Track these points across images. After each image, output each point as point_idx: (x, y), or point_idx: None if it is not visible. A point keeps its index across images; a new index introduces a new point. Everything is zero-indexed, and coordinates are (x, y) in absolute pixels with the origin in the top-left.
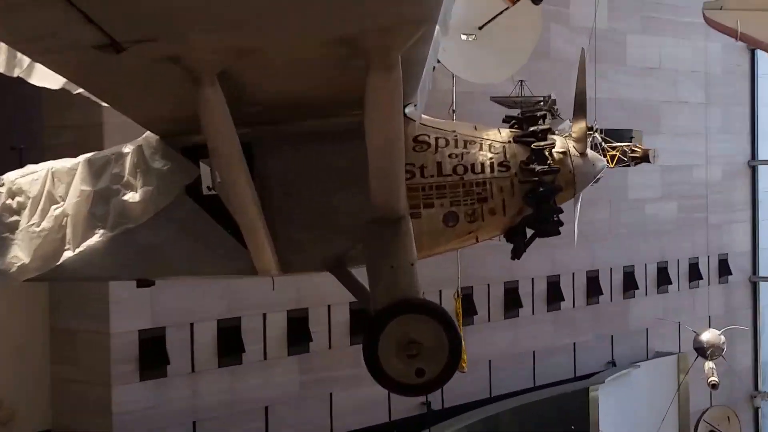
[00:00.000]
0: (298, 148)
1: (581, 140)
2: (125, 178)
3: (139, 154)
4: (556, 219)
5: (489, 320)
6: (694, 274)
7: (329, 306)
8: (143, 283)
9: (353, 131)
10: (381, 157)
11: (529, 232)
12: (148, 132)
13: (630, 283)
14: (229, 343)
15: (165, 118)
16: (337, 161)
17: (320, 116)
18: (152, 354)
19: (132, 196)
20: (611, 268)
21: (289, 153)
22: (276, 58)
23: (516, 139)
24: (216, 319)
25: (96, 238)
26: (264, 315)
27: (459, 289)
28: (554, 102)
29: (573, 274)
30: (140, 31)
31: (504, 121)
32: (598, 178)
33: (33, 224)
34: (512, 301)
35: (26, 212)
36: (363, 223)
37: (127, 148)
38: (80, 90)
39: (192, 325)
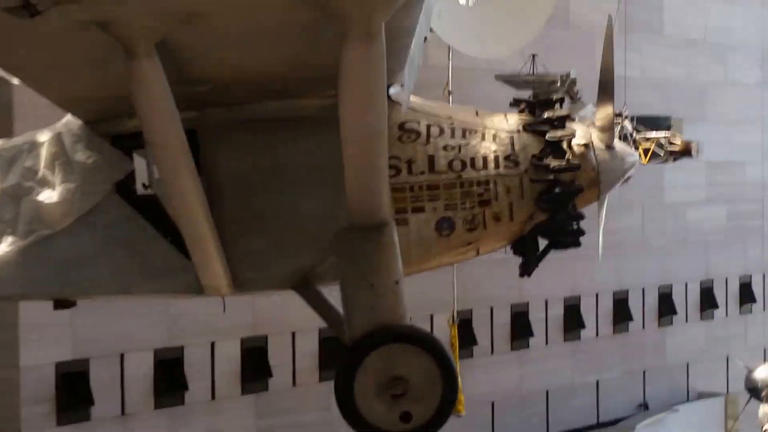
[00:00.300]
0: (256, 137)
1: (607, 129)
2: (40, 174)
3: (58, 144)
4: (576, 227)
5: (492, 352)
6: (747, 295)
7: (293, 333)
8: (62, 303)
9: (325, 117)
10: (359, 148)
11: (543, 243)
12: (70, 116)
13: (667, 307)
14: (169, 378)
15: (91, 99)
16: (304, 154)
17: (284, 98)
18: (73, 392)
19: (49, 196)
20: (644, 289)
21: (246, 144)
22: (229, 24)
23: (527, 128)
24: (153, 348)
25: (3, 248)
26: (212, 344)
27: (455, 314)
28: (574, 82)
29: (597, 295)
30: None
31: (512, 105)
32: (629, 177)
33: None
34: (521, 328)
35: None
36: (336, 231)
37: (44, 137)
38: None
39: (123, 356)
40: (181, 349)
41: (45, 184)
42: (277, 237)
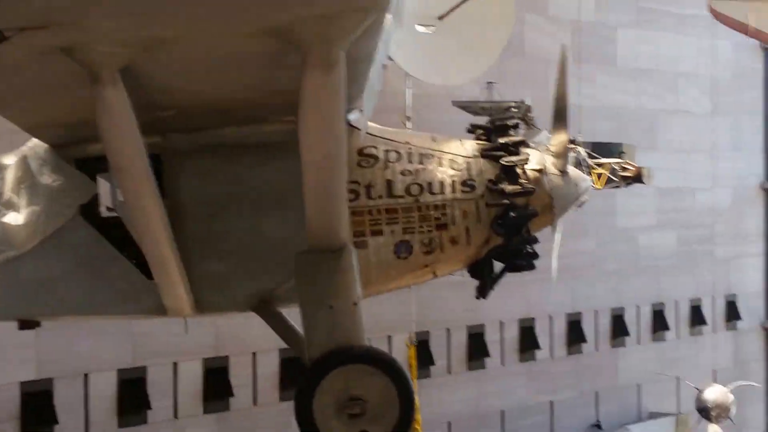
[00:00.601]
0: (218, 162)
1: (561, 155)
2: (6, 196)
3: (23, 167)
4: (530, 251)
5: (449, 372)
6: (697, 318)
7: (254, 354)
8: (26, 324)
9: (286, 142)
10: (319, 173)
11: (499, 266)
12: (36, 140)
13: (619, 329)
14: (133, 398)
15: (56, 124)
16: (266, 179)
17: (246, 123)
18: (37, 412)
19: (14, 218)
20: (596, 311)
21: (209, 168)
22: (192, 51)
23: (483, 153)
24: (116, 368)
25: None
26: (175, 364)
27: (413, 335)
28: (529, 109)
29: (550, 317)
30: (26, 15)
31: (469, 131)
32: (582, 202)
33: None
34: (477, 349)
35: None
36: (296, 254)
37: (9, 160)
38: None
39: (87, 376)
40: (144, 369)
41: (11, 206)
42: (239, 260)
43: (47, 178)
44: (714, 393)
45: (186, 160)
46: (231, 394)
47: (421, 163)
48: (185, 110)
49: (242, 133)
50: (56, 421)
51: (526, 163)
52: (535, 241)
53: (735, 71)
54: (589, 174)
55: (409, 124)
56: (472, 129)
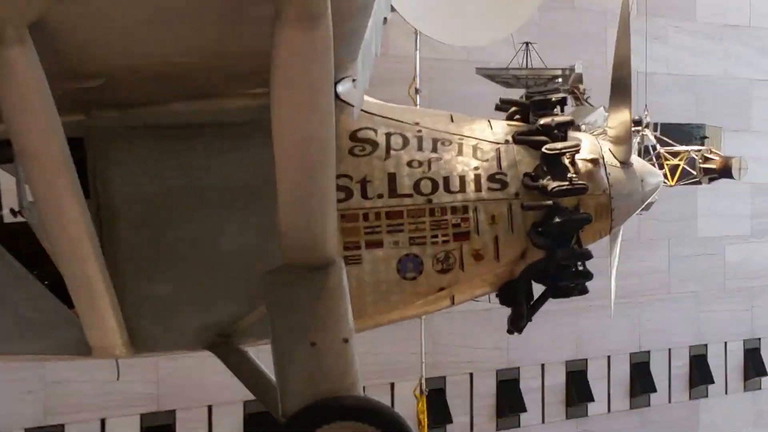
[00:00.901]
0: (162, 149)
1: (623, 141)
2: None
3: None
4: (581, 269)
5: (471, 429)
6: None
7: (210, 408)
8: None
9: (252, 123)
10: (297, 163)
11: (539, 289)
12: None
13: (701, 374)
14: None
15: None
16: (225, 171)
17: (200, 97)
18: None
19: None
20: (670, 350)
21: (147, 157)
22: (122, 3)
23: (518, 138)
24: (23, 428)
25: None
26: (102, 422)
27: (423, 382)
28: (580, 78)
29: (609, 358)
30: None
31: (498, 108)
32: (650, 203)
33: None
34: (511, 401)
35: None
36: (266, 273)
37: None
38: None
39: None
40: (62, 428)
41: None
42: (189, 280)
43: None
44: None
45: (117, 146)
46: None
47: (434, 150)
48: (117, 79)
49: (193, 111)
50: None
51: (577, 152)
52: (588, 256)
53: None
54: (660, 166)
55: (419, 99)
56: (504, 105)
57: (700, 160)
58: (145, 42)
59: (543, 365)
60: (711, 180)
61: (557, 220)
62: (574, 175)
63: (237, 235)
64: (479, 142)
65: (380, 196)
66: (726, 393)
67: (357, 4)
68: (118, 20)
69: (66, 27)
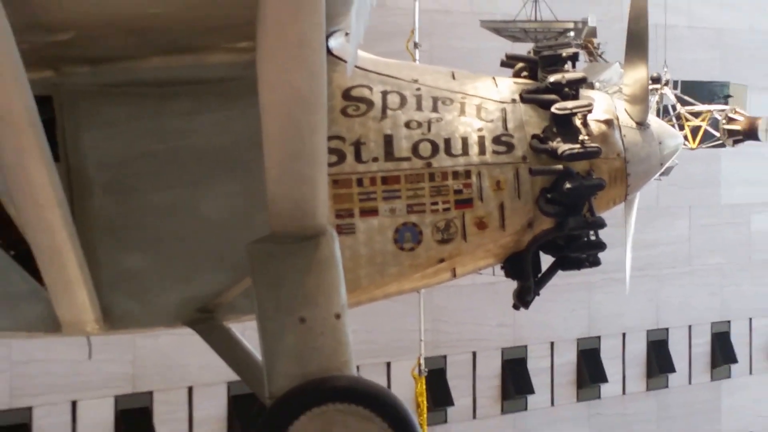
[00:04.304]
0: (137, 108)
1: (640, 100)
2: None
3: None
4: (593, 239)
5: (474, 416)
6: None
7: (190, 389)
8: None
9: (236, 80)
10: (284, 124)
11: (548, 260)
12: None
13: (724, 353)
14: None
15: None
16: (206, 133)
17: (179, 51)
18: None
19: None
20: (690, 326)
21: (122, 117)
22: None
23: (526, 97)
24: None
25: None
26: (73, 404)
27: (422, 361)
28: (593, 32)
29: (624, 335)
30: None
31: (504, 64)
32: (669, 168)
33: None
34: (517, 382)
35: None
36: (250, 243)
37: None
38: None
39: None
40: (29, 411)
41: None
42: (167, 251)
43: None
44: None
45: (89, 106)
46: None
47: (435, 110)
48: (88, 32)
49: (173, 67)
50: None
51: (589, 112)
52: (602, 224)
53: None
54: (680, 128)
55: (418, 54)
56: (510, 61)
57: (724, 121)
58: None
59: (552, 343)
60: (736, 142)
61: (568, 185)
62: (586, 137)
63: (219, 203)
64: (483, 101)
65: (375, 160)
66: (750, 373)
67: None
68: None
69: None
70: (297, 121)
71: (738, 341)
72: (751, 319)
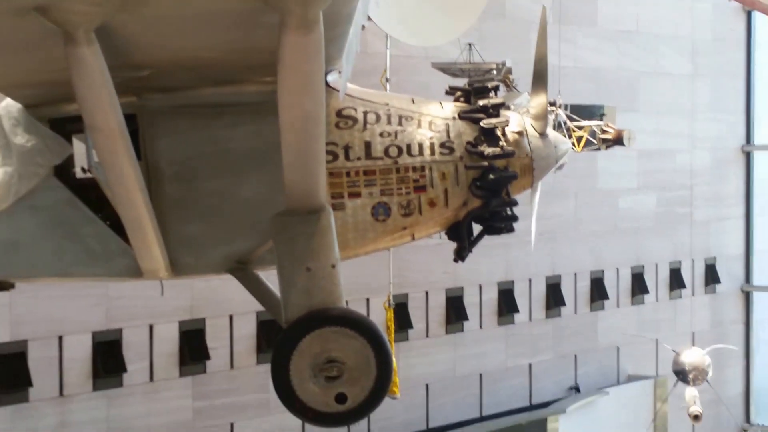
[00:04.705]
0: (195, 122)
1: (541, 118)
2: None
3: None
4: (509, 213)
5: (427, 335)
6: (676, 281)
7: (231, 316)
8: (0, 286)
9: (264, 103)
10: (297, 134)
11: (477, 228)
12: (9, 99)
13: (599, 292)
14: (108, 360)
15: (29, 83)
16: (243, 140)
17: (224, 83)
18: (10, 374)
19: None
20: (576, 274)
21: (185, 128)
22: (168, 10)
23: (462, 116)
24: (91, 331)
25: None
26: (150, 327)
27: (391, 297)
28: (510, 71)
29: (530, 280)
30: None
31: (448, 93)
32: (562, 164)
33: None
34: (456, 312)
35: None
36: (273, 216)
37: None
38: None
39: (61, 338)
40: (120, 331)
41: None
42: (215, 221)
43: (21, 139)
44: (692, 356)
45: (162, 121)
46: (207, 357)
47: (400, 124)
48: (161, 70)
49: (219, 94)
50: (30, 383)
51: (506, 125)
52: (515, 203)
53: (715, 33)
54: (569, 136)
55: (388, 86)
56: (452, 91)
57: (599, 132)
58: (184, 41)
59: (480, 285)
60: (608, 147)
61: (491, 176)
62: (504, 143)
63: (252, 187)
64: (433, 118)
65: (359, 159)
66: (617, 306)
67: (342, 16)
68: (161, 27)
69: (123, 31)
70: (305, 132)
71: (609, 284)
72: (618, 268)
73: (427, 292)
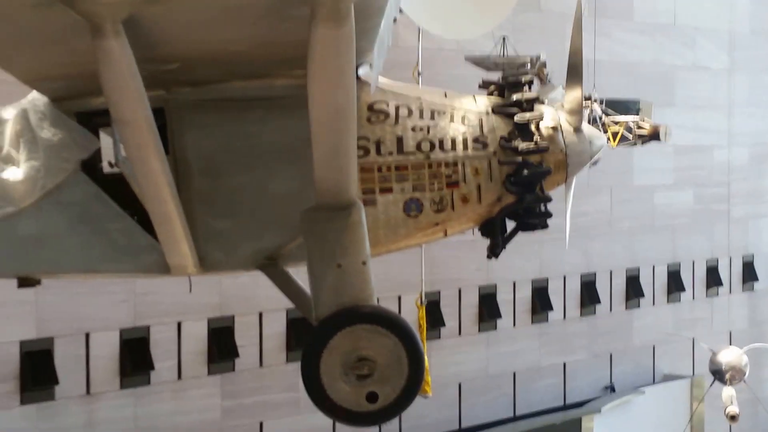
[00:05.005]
0: (224, 116)
1: (576, 112)
2: (4, 151)
3: (23, 121)
4: (543, 210)
5: (460, 333)
6: (713, 279)
7: (260, 314)
8: (26, 281)
9: (294, 97)
10: (328, 129)
11: (511, 225)
12: (35, 93)
13: (634, 290)
14: (135, 358)
15: (56, 76)
16: (273, 134)
17: (253, 77)
18: (37, 371)
19: (13, 174)
20: (611, 271)
21: (213, 123)
22: (196, 3)
23: (496, 110)
24: (119, 328)
25: None
26: (179, 324)
27: (423, 295)
28: (544, 64)
29: (564, 278)
30: None
31: (481, 86)
32: (597, 160)
33: None
34: (489, 310)
35: None
36: (303, 212)
37: (8, 113)
38: None
39: (88, 336)
40: (147, 329)
41: (9, 161)
42: (245, 217)
43: (47, 133)
44: (729, 355)
45: (190, 115)
46: (236, 355)
47: (432, 118)
48: (189, 63)
49: (249, 88)
50: (56, 381)
51: (541, 120)
52: (549, 199)
53: (753, 26)
54: (605, 131)
55: (420, 80)
56: (485, 85)
57: (635, 127)
58: (212, 34)
59: (514, 282)
60: (644, 143)
61: (525, 172)
62: (538, 138)
63: (282, 183)
64: (466, 112)
65: (390, 153)
66: (653, 304)
67: (373, 8)
68: (189, 19)
69: (150, 23)
70: (336, 127)
71: (645, 282)
72: (653, 266)
73: (459, 290)
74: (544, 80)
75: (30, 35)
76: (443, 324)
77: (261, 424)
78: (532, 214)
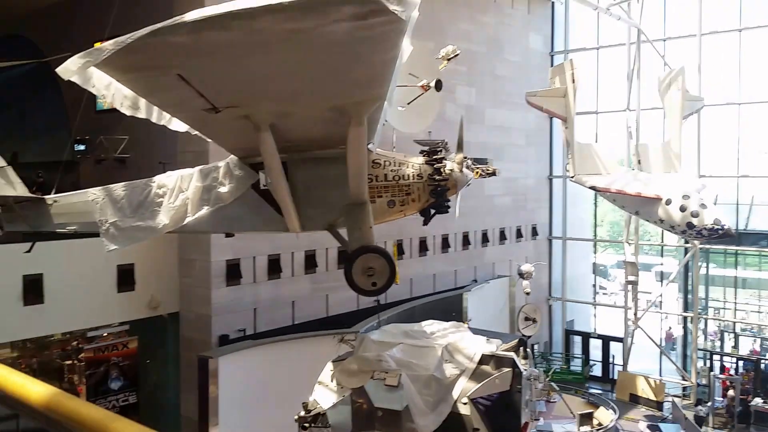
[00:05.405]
0: (312, 164)
1: (460, 163)
2: (219, 179)
3: (227, 166)
4: (447, 204)
5: (410, 257)
6: (519, 234)
7: (327, 248)
8: (228, 234)
9: (341, 156)
10: (355, 171)
11: (432, 211)
12: (232, 155)
13: (485, 238)
14: (275, 267)
15: (241, 148)
16: (332, 172)
17: (325, 147)
18: (233, 272)
19: (223, 189)
20: (475, 231)
21: (309, 167)
22: (301, 116)
23: (426, 162)
24: (267, 254)
25: (203, 211)
26: (292, 253)
27: (395, 241)
28: (446, 143)
29: (455, 234)
30: (229, 101)
31: (420, 153)
32: (469, 183)
33: (170, 203)
34: (425, 246)
35: (167, 196)
36: (344, 205)
37: (221, 163)
38: (196, 132)
39: (255, 258)
40: (279, 255)
41: (221, 184)
42: (321, 207)
43: (237, 171)
44: (526, 266)
45: (298, 164)
46: (316, 265)
47: (399, 166)
48: (296, 142)
49: (323, 152)
50: (241, 276)
51: (445, 167)
52: (449, 200)
53: (537, 126)
54: (472, 171)
55: (395, 149)
56: (422, 152)
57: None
58: (308, 130)
59: (434, 236)
60: (489, 176)
61: (439, 189)
62: (445, 175)
63: (338, 193)
64: (414, 163)
65: (381, 181)
66: (494, 245)
67: (376, 117)
68: (299, 123)
69: (281, 125)
70: (358, 170)
71: (490, 235)
72: (492, 228)
73: (411, 238)
74: (447, 150)
75: (229, 130)
76: (404, 252)
77: (327, 296)
78: (442, 207)
